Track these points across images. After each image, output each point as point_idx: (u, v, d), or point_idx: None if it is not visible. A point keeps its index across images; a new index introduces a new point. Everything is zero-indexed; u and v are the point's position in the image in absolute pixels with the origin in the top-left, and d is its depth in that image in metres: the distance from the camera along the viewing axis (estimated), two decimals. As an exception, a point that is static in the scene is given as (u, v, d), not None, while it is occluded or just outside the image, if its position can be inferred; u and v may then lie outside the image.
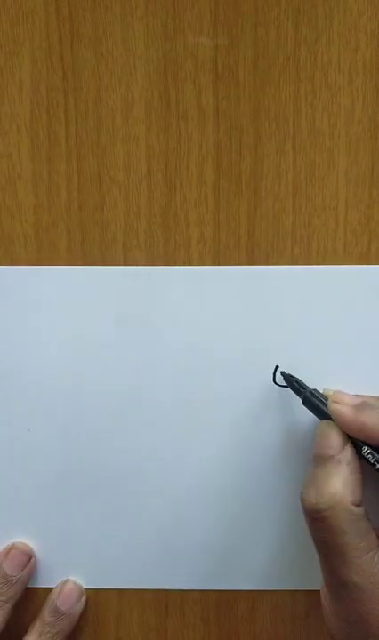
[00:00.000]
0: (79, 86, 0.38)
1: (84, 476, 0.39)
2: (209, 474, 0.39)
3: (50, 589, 0.40)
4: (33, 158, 0.39)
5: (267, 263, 0.39)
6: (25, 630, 0.39)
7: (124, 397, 0.39)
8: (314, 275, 0.38)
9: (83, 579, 0.40)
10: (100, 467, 0.39)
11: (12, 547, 0.39)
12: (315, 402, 0.36)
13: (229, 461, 0.39)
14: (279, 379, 0.38)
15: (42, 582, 0.40)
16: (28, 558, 0.39)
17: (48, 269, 0.39)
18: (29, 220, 0.39)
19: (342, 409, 0.34)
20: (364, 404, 0.34)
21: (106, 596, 0.41)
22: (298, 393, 0.37)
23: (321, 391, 0.36)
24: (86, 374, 0.39)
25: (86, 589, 0.40)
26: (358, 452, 0.33)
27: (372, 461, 0.33)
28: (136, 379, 0.39)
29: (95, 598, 0.41)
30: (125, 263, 0.39)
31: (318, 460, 0.34)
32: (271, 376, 0.38)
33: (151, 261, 0.39)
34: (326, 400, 0.35)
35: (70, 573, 0.40)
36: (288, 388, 0.38)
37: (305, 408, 0.36)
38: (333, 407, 0.34)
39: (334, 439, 0.34)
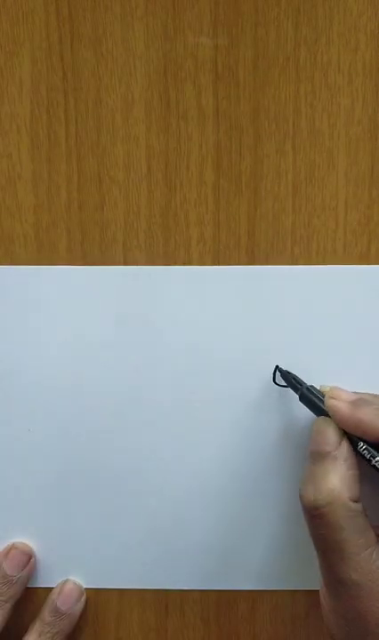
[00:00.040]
0: (79, 86, 0.38)
1: (84, 476, 0.39)
2: (209, 474, 0.39)
3: (50, 589, 0.40)
4: (33, 158, 0.39)
5: (267, 263, 0.39)
6: (25, 630, 0.39)
7: (124, 397, 0.39)
8: (314, 275, 0.38)
9: (83, 579, 0.40)
10: (100, 467, 0.39)
11: (12, 547, 0.39)
12: (312, 398, 0.36)
13: (229, 461, 0.39)
14: (279, 378, 0.38)
15: (42, 582, 0.40)
16: (28, 558, 0.39)
17: (48, 269, 0.39)
18: (29, 220, 0.39)
19: (338, 405, 0.34)
20: (361, 401, 0.34)
21: (106, 596, 0.41)
22: (295, 389, 0.37)
23: (318, 388, 0.36)
24: (86, 374, 0.39)
25: (86, 589, 0.40)
26: (354, 448, 0.34)
27: (368, 457, 0.33)
28: (136, 379, 0.39)
29: (95, 598, 0.41)
30: (125, 263, 0.39)
31: (315, 456, 0.34)
32: (271, 376, 0.38)
33: (151, 261, 0.39)
34: (323, 396, 0.35)
35: (70, 573, 0.40)
36: (288, 388, 0.38)
37: (304, 407, 0.36)
38: (330, 403, 0.34)
39: (330, 435, 0.34)
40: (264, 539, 0.39)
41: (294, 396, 0.37)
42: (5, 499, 0.40)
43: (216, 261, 0.39)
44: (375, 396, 0.36)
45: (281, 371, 0.38)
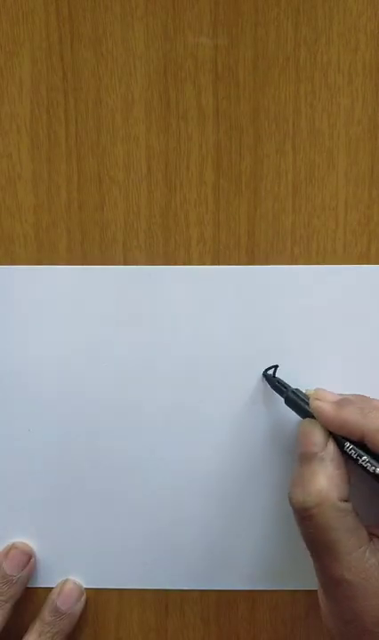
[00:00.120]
0: (79, 86, 0.38)
1: (84, 476, 0.39)
2: (209, 473, 0.39)
3: (50, 589, 0.40)
4: (33, 158, 0.39)
5: (267, 263, 0.39)
6: (25, 630, 0.39)
7: (124, 397, 0.39)
8: (314, 275, 0.38)
9: (83, 579, 0.40)
10: (99, 467, 0.39)
11: (12, 547, 0.39)
12: (297, 401, 0.36)
13: (229, 461, 0.39)
14: (265, 387, 0.38)
15: (42, 582, 0.40)
16: (28, 558, 0.39)
17: (48, 269, 0.39)
18: (29, 220, 0.39)
19: (323, 406, 0.34)
20: (345, 401, 0.34)
21: (106, 596, 0.41)
22: (280, 393, 0.37)
23: (304, 391, 0.36)
24: (86, 374, 0.39)
25: (86, 589, 0.40)
26: (341, 448, 0.34)
27: (354, 457, 0.33)
28: (136, 378, 0.39)
29: (95, 598, 0.41)
30: (125, 263, 0.39)
31: (303, 458, 0.34)
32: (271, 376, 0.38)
33: (151, 261, 0.39)
34: (308, 399, 0.35)
35: (70, 573, 0.40)
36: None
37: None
38: (314, 405, 0.35)
39: (316, 436, 0.34)
40: (264, 539, 0.39)
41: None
42: (5, 499, 0.40)
43: (216, 261, 0.39)
44: (359, 396, 0.36)
45: (266, 375, 0.38)
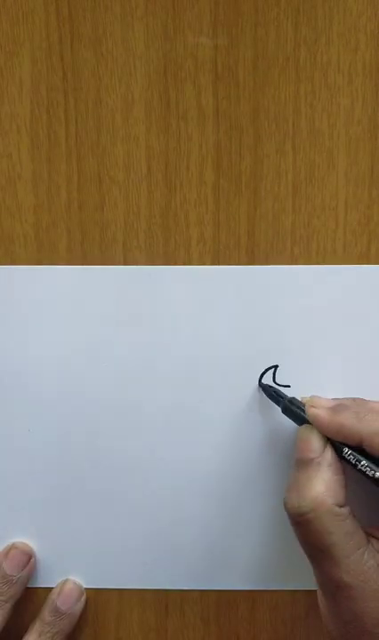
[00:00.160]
0: (79, 86, 0.38)
1: (84, 477, 0.39)
2: (209, 473, 0.39)
3: (50, 589, 0.40)
4: (33, 158, 0.39)
5: (267, 263, 0.39)
6: (25, 630, 0.39)
7: (124, 397, 0.39)
8: (314, 275, 0.38)
9: (83, 579, 0.40)
10: (99, 467, 0.39)
11: (12, 547, 0.39)
12: (294, 409, 0.36)
13: (229, 461, 0.39)
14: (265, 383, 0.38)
15: (42, 582, 0.40)
16: (28, 558, 0.39)
17: (48, 269, 0.39)
18: (29, 220, 0.39)
19: (318, 412, 0.34)
20: (340, 406, 0.34)
21: (106, 596, 0.41)
22: (277, 402, 0.37)
23: (299, 398, 0.36)
24: (86, 374, 0.39)
25: (86, 589, 0.40)
26: (339, 454, 0.34)
27: (353, 462, 0.33)
28: (136, 378, 0.39)
29: (95, 598, 0.41)
30: (125, 263, 0.39)
31: (299, 463, 0.34)
32: (271, 376, 0.38)
33: (151, 261, 0.39)
34: (305, 406, 0.35)
35: (70, 573, 0.40)
36: (280, 388, 0.38)
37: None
38: (310, 412, 0.35)
39: (314, 442, 0.34)
40: (264, 539, 0.39)
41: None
42: (5, 499, 0.40)
43: (216, 261, 0.39)
44: (355, 399, 0.36)
45: (262, 384, 0.38)
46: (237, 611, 0.40)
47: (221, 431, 0.39)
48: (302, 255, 0.39)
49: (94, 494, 0.40)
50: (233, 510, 0.39)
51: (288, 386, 0.38)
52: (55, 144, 0.38)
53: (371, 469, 0.33)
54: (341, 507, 0.32)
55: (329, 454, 0.34)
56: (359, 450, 0.33)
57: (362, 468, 0.33)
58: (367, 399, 0.36)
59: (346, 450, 0.33)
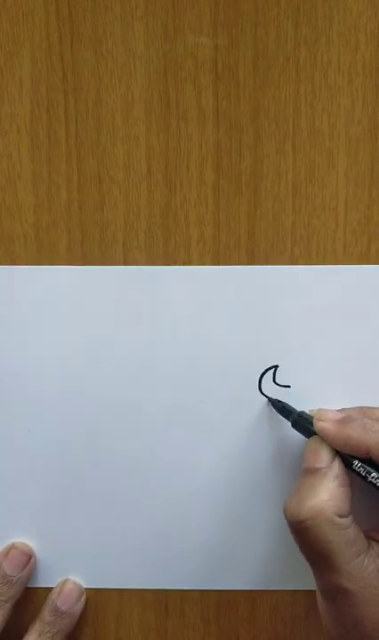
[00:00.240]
0: (79, 86, 0.38)
1: (84, 476, 0.39)
2: (209, 473, 0.39)
3: (50, 589, 0.40)
4: (33, 158, 0.39)
5: (267, 263, 0.39)
6: (25, 630, 0.39)
7: (124, 397, 0.39)
8: (314, 275, 0.38)
9: (83, 579, 0.40)
10: (99, 467, 0.39)
11: (12, 547, 0.39)
12: (303, 423, 0.36)
13: (228, 461, 0.39)
14: (264, 388, 0.38)
15: (42, 582, 0.40)
16: (28, 558, 0.39)
17: (48, 269, 0.39)
18: (29, 220, 0.39)
19: (326, 426, 0.34)
20: (347, 419, 0.34)
21: (106, 596, 0.41)
22: (287, 417, 0.37)
23: (308, 412, 0.36)
24: (86, 374, 0.39)
25: (86, 589, 0.40)
26: (349, 466, 0.34)
27: (363, 474, 0.33)
28: (136, 379, 0.39)
29: (95, 598, 0.41)
30: (125, 263, 0.39)
31: (306, 472, 0.34)
32: (271, 376, 0.38)
33: (151, 261, 0.39)
34: (312, 420, 0.35)
35: (70, 573, 0.40)
36: (283, 388, 0.38)
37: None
38: (318, 425, 0.35)
39: (322, 454, 0.34)
40: (264, 539, 0.39)
41: (293, 397, 0.37)
42: (5, 499, 0.40)
43: (216, 261, 0.39)
44: (361, 409, 0.36)
45: (271, 400, 0.38)
46: (237, 611, 0.40)
47: (220, 431, 0.39)
48: (302, 255, 0.39)
49: (94, 494, 0.40)
50: (233, 510, 0.39)
51: (288, 386, 0.38)
52: (55, 144, 0.38)
53: None
54: (342, 517, 0.32)
55: (337, 466, 0.34)
56: (369, 462, 0.33)
57: (373, 480, 0.33)
58: (374, 407, 0.36)
59: (356, 462, 0.33)
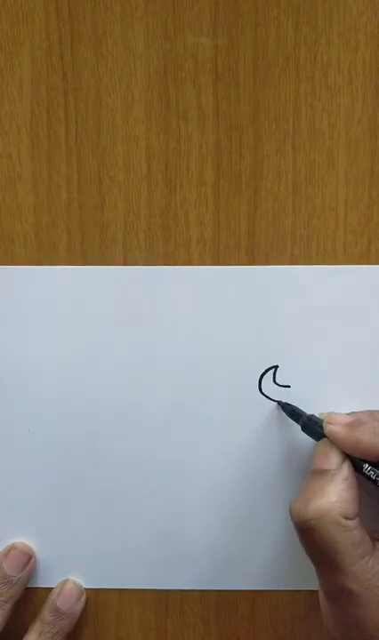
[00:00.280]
0: (79, 86, 0.38)
1: (84, 477, 0.39)
2: (209, 473, 0.39)
3: (50, 589, 0.40)
4: (33, 158, 0.39)
5: (267, 263, 0.39)
6: (25, 630, 0.39)
7: (124, 397, 0.39)
8: (314, 275, 0.38)
9: (83, 579, 0.40)
10: (100, 467, 0.39)
11: (12, 547, 0.39)
12: (313, 427, 0.36)
13: (228, 461, 0.39)
14: (265, 388, 0.38)
15: (42, 582, 0.40)
16: (28, 558, 0.39)
17: (48, 269, 0.39)
18: (29, 220, 0.39)
19: (336, 429, 0.34)
20: (357, 422, 0.35)
21: (106, 596, 0.41)
22: (296, 420, 0.37)
23: (318, 415, 0.36)
24: (86, 374, 0.39)
25: (86, 589, 0.40)
26: (358, 470, 0.34)
27: (374, 477, 0.33)
28: (136, 379, 0.39)
29: (95, 598, 0.41)
30: (125, 263, 0.39)
31: (314, 473, 0.34)
32: (271, 376, 0.38)
33: (151, 261, 0.39)
34: (322, 423, 0.35)
35: (70, 573, 0.40)
36: (282, 388, 0.38)
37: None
38: (327, 428, 0.35)
39: (332, 456, 0.34)
40: (264, 539, 0.39)
41: (293, 397, 0.37)
42: (5, 499, 0.40)
43: (216, 261, 0.39)
44: (371, 413, 0.36)
45: (281, 403, 0.38)
46: (237, 611, 0.40)
47: (220, 431, 0.39)
48: (302, 255, 0.39)
49: (94, 494, 0.40)
50: (233, 510, 0.39)
51: (288, 386, 0.38)
52: (55, 144, 0.38)
53: None
54: (349, 519, 0.32)
55: (346, 469, 0.34)
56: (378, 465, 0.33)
57: None
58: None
59: (366, 466, 0.33)
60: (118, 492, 0.39)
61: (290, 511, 0.33)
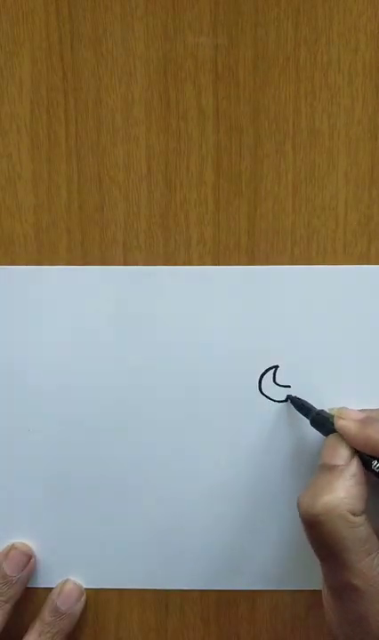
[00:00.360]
0: (79, 86, 0.38)
1: (84, 476, 0.39)
2: (209, 473, 0.39)
3: (50, 589, 0.40)
4: (33, 158, 0.39)
5: (267, 263, 0.39)
6: (25, 630, 0.39)
7: (124, 397, 0.39)
8: (314, 275, 0.38)
9: (83, 579, 0.40)
10: (100, 467, 0.39)
11: (12, 547, 0.39)
12: (323, 422, 0.36)
13: (229, 461, 0.39)
14: (265, 388, 0.38)
15: (42, 582, 0.40)
16: (28, 558, 0.39)
17: (48, 269, 0.39)
18: (29, 220, 0.39)
19: (347, 424, 0.34)
20: (369, 419, 0.35)
21: (106, 596, 0.41)
22: (306, 414, 0.37)
23: (328, 410, 0.36)
24: (86, 374, 0.39)
25: (86, 589, 0.40)
26: (367, 467, 0.34)
27: None
28: (136, 379, 0.39)
29: (95, 598, 0.41)
30: (125, 263, 0.39)
31: (322, 468, 0.34)
32: (271, 376, 0.38)
33: (151, 261, 0.39)
34: (333, 419, 0.35)
35: (70, 573, 0.40)
36: (283, 388, 0.38)
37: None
38: (339, 424, 0.35)
39: (341, 451, 0.34)
40: (264, 539, 0.39)
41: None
42: (5, 499, 0.40)
43: (216, 261, 0.39)
44: None
45: (291, 397, 0.38)
46: (237, 611, 0.40)
47: (219, 432, 0.39)
48: (303, 255, 0.39)
49: (94, 495, 0.39)
50: (233, 510, 0.39)
51: (288, 386, 0.38)
52: (55, 144, 0.38)
53: None
54: (356, 515, 0.32)
55: (355, 465, 0.34)
56: None
57: None
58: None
59: (375, 462, 0.33)
60: (118, 492, 0.39)
61: (298, 505, 0.33)
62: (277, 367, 0.38)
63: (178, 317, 0.39)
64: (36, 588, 0.40)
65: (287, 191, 0.38)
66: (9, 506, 0.40)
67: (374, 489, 0.34)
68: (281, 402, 0.38)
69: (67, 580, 0.40)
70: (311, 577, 0.39)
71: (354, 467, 0.33)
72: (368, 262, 0.38)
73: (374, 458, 0.33)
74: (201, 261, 0.39)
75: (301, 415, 0.37)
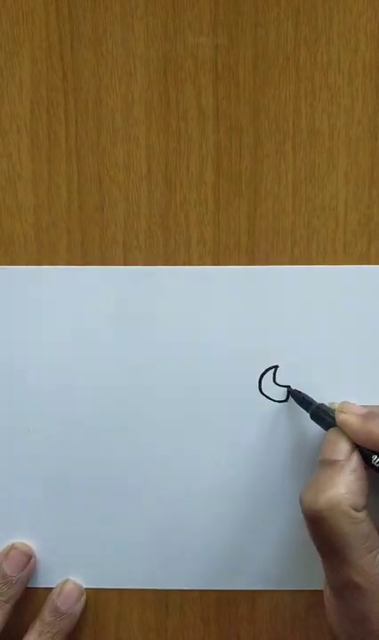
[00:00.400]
0: (79, 86, 0.38)
1: (84, 476, 0.39)
2: (209, 473, 0.39)
3: (50, 589, 0.40)
4: (33, 158, 0.39)
5: (267, 263, 0.39)
6: (25, 630, 0.39)
7: (124, 397, 0.39)
8: (314, 275, 0.38)
9: (83, 579, 0.40)
10: (100, 467, 0.39)
11: (12, 547, 0.39)
12: (323, 415, 0.36)
13: (229, 461, 0.39)
14: (265, 388, 0.38)
15: (42, 582, 0.40)
16: (28, 558, 0.39)
17: (48, 269, 0.39)
18: (29, 220, 0.39)
19: (349, 418, 0.34)
20: (371, 414, 0.35)
21: (106, 596, 0.41)
22: (306, 408, 0.37)
23: (328, 404, 0.36)
24: (86, 374, 0.39)
25: (86, 589, 0.40)
26: (367, 461, 0.34)
27: None
28: (136, 379, 0.39)
29: (95, 598, 0.41)
30: (125, 263, 0.39)
31: (323, 464, 0.34)
32: (271, 376, 0.38)
33: (151, 261, 0.39)
34: (333, 413, 0.35)
35: (70, 573, 0.40)
36: (283, 388, 0.38)
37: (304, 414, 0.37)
38: (341, 417, 0.35)
39: (342, 446, 0.34)
40: (265, 539, 0.39)
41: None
42: (5, 499, 0.40)
43: (216, 261, 0.39)
44: None
45: (290, 390, 0.38)
46: (237, 611, 0.40)
47: (219, 432, 0.39)
48: (303, 255, 0.39)
49: (94, 495, 0.40)
50: (233, 510, 0.39)
51: (288, 386, 0.38)
52: (55, 144, 0.38)
53: None
54: (357, 510, 0.32)
55: (355, 460, 0.34)
56: None
57: None
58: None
59: (375, 457, 0.33)
60: (118, 492, 0.39)
61: (300, 501, 0.33)
62: (277, 367, 0.38)
63: (178, 317, 0.39)
64: (36, 588, 0.40)
65: (287, 191, 0.38)
66: (9, 506, 0.40)
67: (374, 485, 0.34)
68: (281, 402, 0.38)
69: (67, 580, 0.40)
70: (311, 577, 0.39)
71: (354, 462, 0.33)
72: (368, 262, 0.38)
73: (375, 453, 0.33)
74: (201, 261, 0.39)
75: (301, 415, 0.37)
